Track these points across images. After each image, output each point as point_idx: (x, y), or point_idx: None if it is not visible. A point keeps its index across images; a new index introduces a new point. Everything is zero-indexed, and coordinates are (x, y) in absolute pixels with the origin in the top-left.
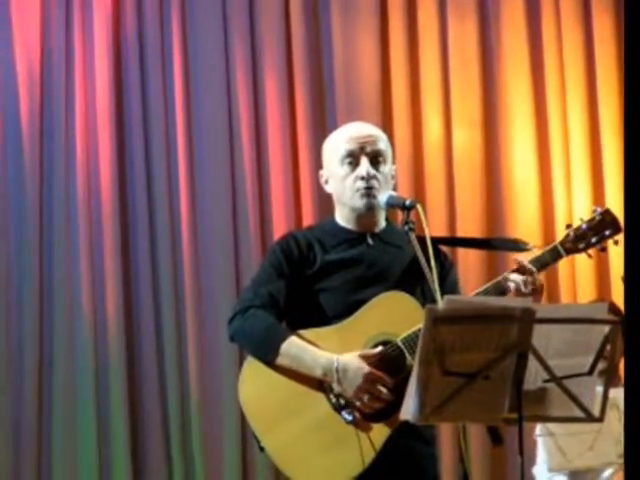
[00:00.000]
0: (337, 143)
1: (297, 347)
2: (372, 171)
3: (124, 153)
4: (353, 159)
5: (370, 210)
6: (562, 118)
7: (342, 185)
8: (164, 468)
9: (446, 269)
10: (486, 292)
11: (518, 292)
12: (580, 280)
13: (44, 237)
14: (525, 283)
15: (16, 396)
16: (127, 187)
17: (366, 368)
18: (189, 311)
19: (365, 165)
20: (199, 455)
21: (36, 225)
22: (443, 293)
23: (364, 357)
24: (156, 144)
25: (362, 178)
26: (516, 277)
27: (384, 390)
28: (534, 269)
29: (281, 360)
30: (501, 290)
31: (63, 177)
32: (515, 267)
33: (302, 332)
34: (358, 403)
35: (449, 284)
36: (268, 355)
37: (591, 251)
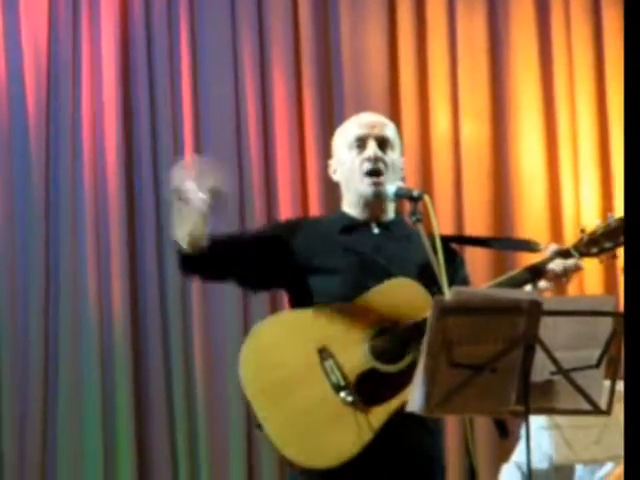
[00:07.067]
0: (346, 130)
1: None
2: (379, 153)
3: (131, 143)
4: (361, 142)
5: (377, 197)
6: (570, 111)
7: (350, 169)
8: (169, 464)
9: (456, 265)
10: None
11: (557, 277)
12: (588, 284)
13: (50, 229)
14: (568, 269)
15: (21, 391)
16: (134, 178)
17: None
18: (195, 305)
19: (372, 147)
20: (204, 451)
21: (42, 216)
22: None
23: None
24: (163, 135)
25: (369, 159)
26: (560, 262)
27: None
28: (577, 254)
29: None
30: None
31: (70, 168)
32: (558, 251)
33: (308, 309)
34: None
35: (458, 281)
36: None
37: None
